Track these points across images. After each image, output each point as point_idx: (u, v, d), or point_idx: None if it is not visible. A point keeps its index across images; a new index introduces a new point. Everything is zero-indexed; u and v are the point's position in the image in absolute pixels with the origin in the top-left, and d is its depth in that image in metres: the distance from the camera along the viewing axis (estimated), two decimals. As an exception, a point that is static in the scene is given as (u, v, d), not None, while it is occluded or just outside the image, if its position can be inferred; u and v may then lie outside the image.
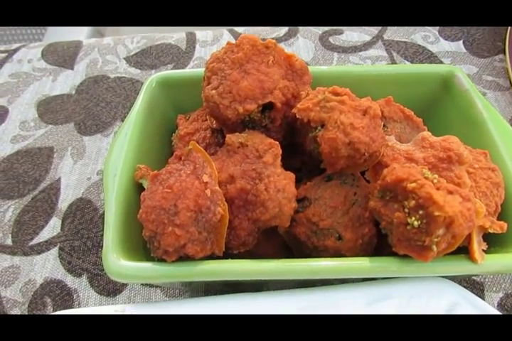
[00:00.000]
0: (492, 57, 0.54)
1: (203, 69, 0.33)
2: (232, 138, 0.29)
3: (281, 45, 0.57)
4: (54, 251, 0.39)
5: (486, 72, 0.52)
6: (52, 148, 0.47)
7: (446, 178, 0.27)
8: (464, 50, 0.55)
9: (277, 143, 0.29)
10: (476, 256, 0.26)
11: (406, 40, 0.56)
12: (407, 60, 0.53)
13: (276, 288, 0.31)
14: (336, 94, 0.30)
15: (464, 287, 0.36)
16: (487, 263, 0.27)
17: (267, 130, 0.32)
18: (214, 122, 0.34)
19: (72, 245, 0.39)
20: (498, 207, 0.30)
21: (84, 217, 0.41)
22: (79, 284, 0.37)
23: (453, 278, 0.36)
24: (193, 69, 0.38)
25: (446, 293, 0.28)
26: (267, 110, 0.31)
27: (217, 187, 0.27)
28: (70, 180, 0.44)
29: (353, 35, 0.57)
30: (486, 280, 0.37)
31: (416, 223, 0.24)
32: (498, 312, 0.28)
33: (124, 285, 0.37)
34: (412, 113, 0.35)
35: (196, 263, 0.26)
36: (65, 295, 0.36)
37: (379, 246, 0.30)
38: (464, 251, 0.27)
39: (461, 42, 0.56)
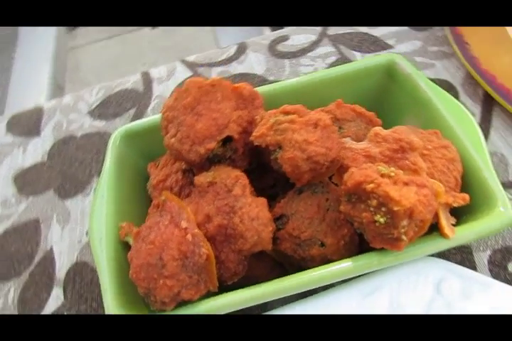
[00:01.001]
0: (433, 28, 0.55)
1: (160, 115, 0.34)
2: (200, 179, 0.30)
3: (234, 63, 0.58)
4: (64, 320, 0.39)
5: (430, 43, 0.54)
6: (38, 219, 0.48)
7: (404, 167, 0.29)
8: (406, 27, 0.56)
9: (243, 174, 0.30)
10: (446, 231, 0.28)
11: (350, 30, 0.57)
12: (355, 50, 0.55)
13: (278, 303, 0.32)
14: (286, 112, 0.31)
15: (453, 253, 0.38)
16: (458, 235, 0.28)
17: (233, 160, 0.33)
18: (183, 163, 0.35)
19: (79, 310, 0.40)
20: (458, 180, 0.31)
21: (84, 280, 0.42)
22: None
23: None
24: (151, 117, 0.39)
25: (432, 269, 0.30)
26: (228, 142, 0.32)
27: (196, 230, 0.28)
28: (62, 247, 0.45)
29: (299, 38, 0.58)
30: (472, 242, 0.38)
31: (382, 219, 0.26)
32: (485, 277, 0.29)
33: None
34: (363, 109, 0.36)
35: (194, 305, 0.27)
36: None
37: (362, 241, 0.31)
38: (436, 228, 0.29)
39: (401, 21, 0.57)
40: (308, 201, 0.31)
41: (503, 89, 0.45)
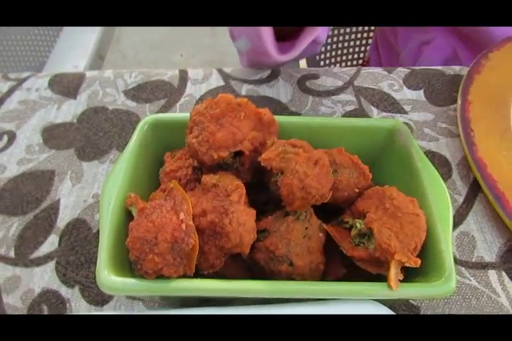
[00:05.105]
0: (447, 106, 0.61)
1: (188, 114, 0.39)
2: (206, 178, 0.36)
3: (263, 86, 0.64)
4: (51, 264, 0.45)
5: (441, 119, 0.60)
6: (54, 171, 0.53)
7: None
8: (424, 98, 0.62)
9: (243, 185, 0.35)
10: (391, 284, 0.33)
11: (374, 87, 0.63)
12: (373, 106, 0.61)
13: (241, 305, 0.37)
14: (294, 145, 0.36)
15: (403, 309, 0.42)
16: (401, 289, 0.33)
17: (238, 171, 0.38)
18: (195, 161, 0.40)
19: (68, 260, 0.45)
20: (418, 246, 0.36)
21: (79, 235, 0.47)
22: (72, 294, 0.43)
23: (393, 303, 0.42)
24: (180, 114, 0.45)
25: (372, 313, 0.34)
26: (238, 155, 0.38)
27: (191, 223, 0.33)
28: (68, 201, 0.50)
29: (327, 80, 0.64)
30: (423, 304, 0.43)
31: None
32: None
33: (110, 297, 0.43)
34: (359, 161, 0.41)
35: (171, 280, 0.33)
36: (59, 304, 0.42)
37: (325, 272, 0.38)
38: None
39: (421, 91, 0.63)
40: (290, 224, 0.37)
41: (490, 180, 0.50)
